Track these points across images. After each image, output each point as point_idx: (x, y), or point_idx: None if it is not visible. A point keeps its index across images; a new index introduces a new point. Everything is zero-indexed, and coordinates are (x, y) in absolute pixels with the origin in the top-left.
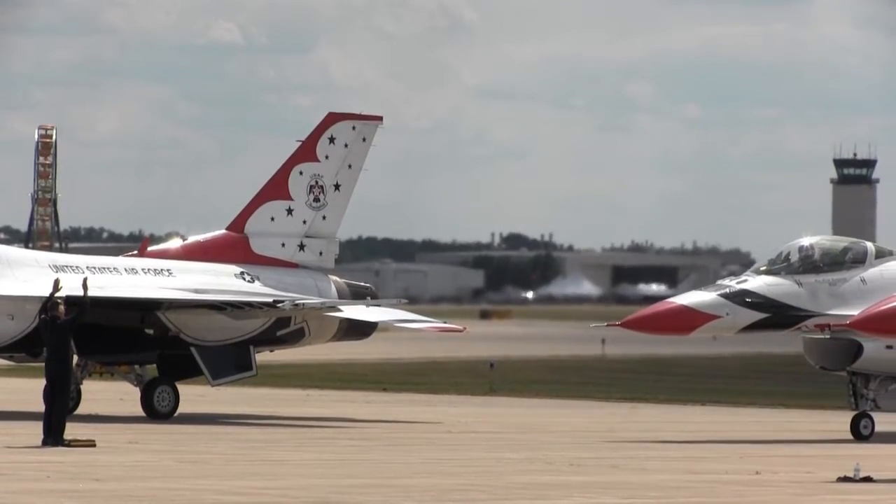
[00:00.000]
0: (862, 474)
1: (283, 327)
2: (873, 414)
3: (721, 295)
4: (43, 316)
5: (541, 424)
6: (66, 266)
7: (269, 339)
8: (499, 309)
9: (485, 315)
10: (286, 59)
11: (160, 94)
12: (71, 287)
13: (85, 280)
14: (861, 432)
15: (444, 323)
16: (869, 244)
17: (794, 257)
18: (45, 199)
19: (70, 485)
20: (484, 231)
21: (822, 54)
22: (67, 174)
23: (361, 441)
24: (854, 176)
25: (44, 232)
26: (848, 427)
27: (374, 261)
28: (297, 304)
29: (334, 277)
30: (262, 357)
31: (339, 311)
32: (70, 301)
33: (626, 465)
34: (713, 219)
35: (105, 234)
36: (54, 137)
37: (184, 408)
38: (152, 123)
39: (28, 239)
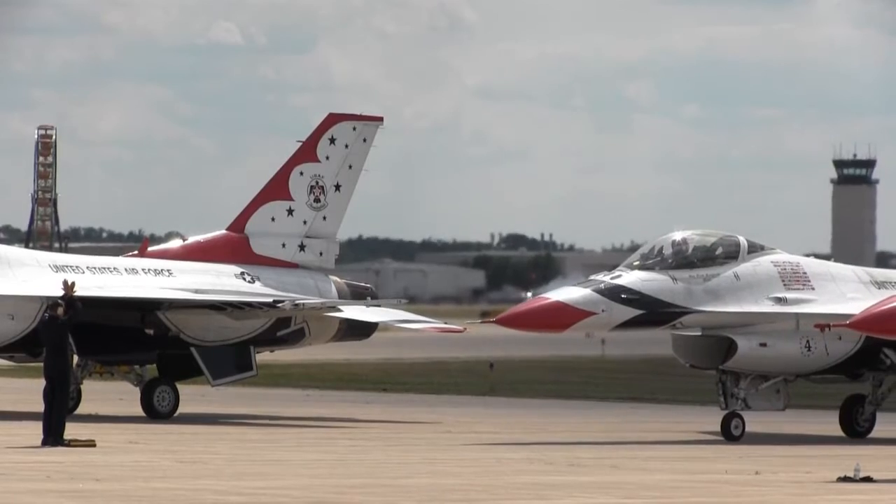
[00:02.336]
0: (862, 474)
1: (283, 327)
2: (744, 413)
3: (595, 290)
4: (44, 315)
5: (541, 424)
6: (67, 266)
7: (270, 339)
8: (499, 309)
9: (485, 315)
10: (286, 59)
11: (160, 94)
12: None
13: (65, 281)
14: (732, 433)
15: (444, 323)
16: (741, 238)
17: (668, 252)
18: (45, 199)
19: (70, 485)
20: (484, 231)
21: (822, 54)
22: (67, 174)
23: (361, 441)
24: (854, 176)
25: (44, 232)
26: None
27: (374, 261)
28: (297, 305)
29: (334, 277)
30: (263, 357)
31: (340, 311)
32: (65, 301)
33: (626, 465)
34: (713, 219)
35: (105, 234)
36: (54, 137)
37: (184, 408)
38: (152, 123)
39: (28, 239)
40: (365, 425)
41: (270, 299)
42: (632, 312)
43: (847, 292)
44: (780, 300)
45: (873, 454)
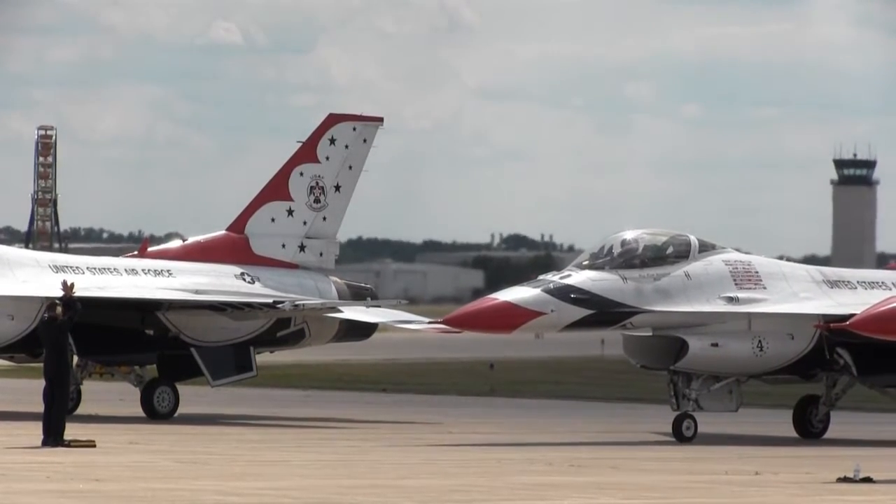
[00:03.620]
0: (862, 475)
1: (283, 328)
2: (696, 414)
3: (545, 290)
4: (43, 316)
5: (541, 424)
6: (66, 266)
7: (270, 339)
8: None
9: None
10: (286, 59)
11: (160, 94)
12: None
13: (64, 281)
14: (683, 434)
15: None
16: (692, 237)
17: (618, 251)
18: (45, 199)
19: (70, 485)
20: (484, 231)
21: (822, 54)
22: (67, 174)
23: (361, 441)
24: (854, 177)
25: (44, 232)
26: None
27: (374, 261)
28: (297, 305)
29: (334, 278)
30: (263, 358)
31: (339, 311)
32: (64, 302)
33: (626, 465)
34: (713, 219)
35: (105, 234)
36: (54, 137)
37: (184, 408)
38: (152, 123)
39: (28, 239)
40: (365, 426)
41: (270, 300)
42: (581, 312)
43: (799, 291)
44: (731, 300)
45: (873, 455)
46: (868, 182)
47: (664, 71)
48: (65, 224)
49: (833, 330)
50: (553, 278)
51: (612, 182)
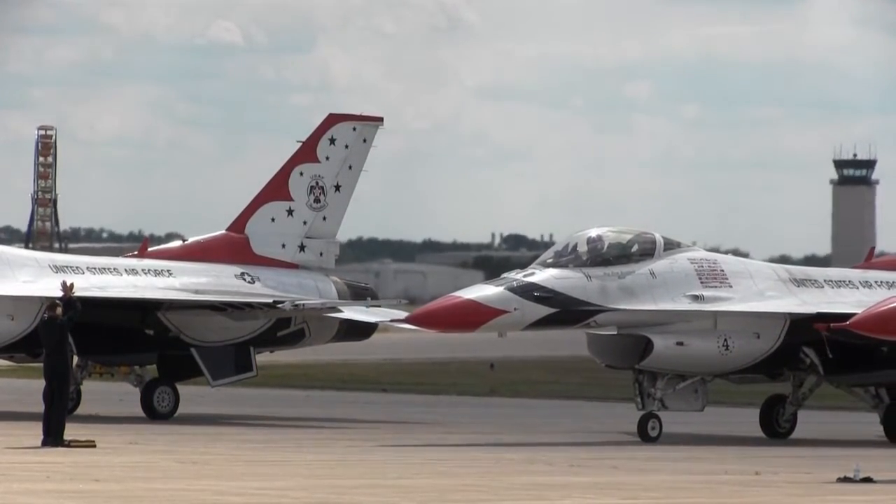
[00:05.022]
0: (862, 475)
1: (283, 328)
2: (661, 414)
3: (508, 289)
4: (43, 316)
5: (541, 424)
6: (66, 266)
7: (270, 339)
8: None
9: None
10: (286, 59)
11: (160, 94)
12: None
13: (64, 282)
14: (649, 434)
15: None
16: (657, 235)
17: (582, 249)
18: (45, 199)
19: (70, 485)
20: (484, 231)
21: (822, 54)
22: (67, 174)
23: (361, 441)
24: (854, 177)
25: (44, 232)
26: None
27: (374, 261)
28: (297, 305)
29: (334, 278)
30: (263, 358)
31: (340, 311)
32: (64, 302)
33: (626, 465)
34: (713, 219)
35: (105, 234)
36: (54, 137)
37: (184, 408)
38: (152, 123)
39: (28, 239)
40: (365, 426)
41: (270, 300)
42: (545, 311)
43: (765, 290)
44: (697, 298)
45: (873, 455)
46: (868, 182)
47: (664, 71)
48: (65, 224)
49: (834, 330)
50: (516, 276)
51: (612, 182)
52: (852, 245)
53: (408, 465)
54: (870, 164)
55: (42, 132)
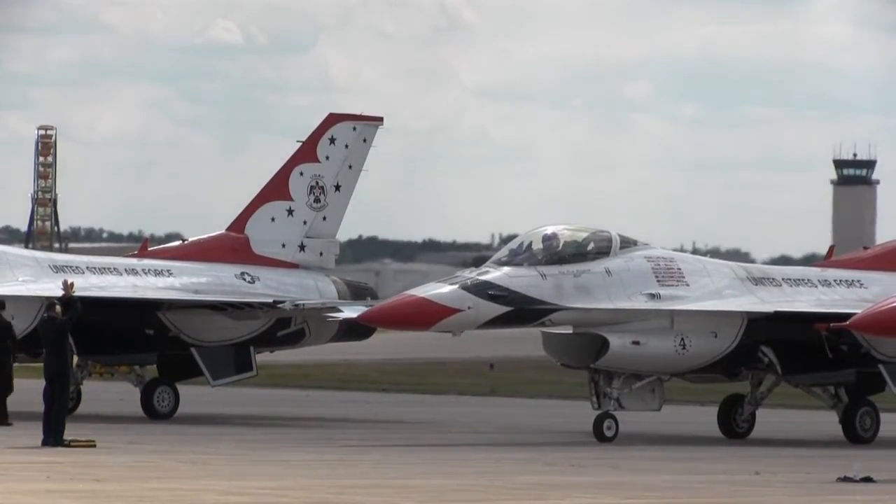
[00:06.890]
0: (862, 475)
1: (283, 328)
2: (617, 414)
3: (462, 287)
4: (43, 315)
5: (541, 424)
6: (66, 266)
7: (270, 339)
8: None
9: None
10: (286, 59)
11: (160, 94)
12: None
13: (64, 281)
14: (604, 434)
15: None
16: (613, 233)
17: (537, 247)
18: (45, 199)
19: (70, 485)
20: (484, 231)
21: (822, 54)
22: (67, 174)
23: (361, 441)
24: (854, 177)
25: (44, 232)
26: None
27: (374, 261)
28: (297, 305)
29: (334, 278)
30: (263, 358)
31: (340, 311)
32: (64, 302)
33: (626, 465)
34: (713, 219)
35: (105, 234)
36: (54, 137)
37: (184, 408)
38: (152, 123)
39: (28, 239)
40: (365, 426)
41: (270, 300)
42: (499, 309)
43: (723, 289)
44: (653, 296)
45: (873, 455)
46: (868, 182)
47: (663, 71)
48: (64, 224)
49: (834, 330)
50: (470, 275)
51: (612, 182)
52: (852, 245)
53: (408, 465)
54: (870, 164)
55: (42, 132)
